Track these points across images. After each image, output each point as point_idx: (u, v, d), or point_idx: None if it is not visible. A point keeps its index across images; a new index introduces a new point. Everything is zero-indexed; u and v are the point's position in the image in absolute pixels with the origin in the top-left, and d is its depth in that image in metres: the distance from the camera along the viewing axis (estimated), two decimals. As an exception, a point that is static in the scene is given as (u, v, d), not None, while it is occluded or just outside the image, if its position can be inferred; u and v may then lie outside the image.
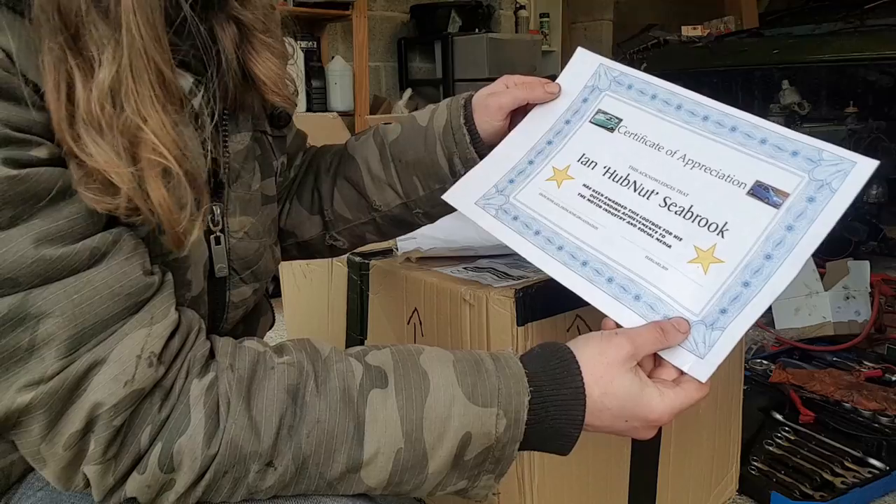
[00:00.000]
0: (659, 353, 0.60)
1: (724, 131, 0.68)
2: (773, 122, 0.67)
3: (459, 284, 0.88)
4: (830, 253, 2.51)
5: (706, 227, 0.64)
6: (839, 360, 1.78)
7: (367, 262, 1.04)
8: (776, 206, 0.63)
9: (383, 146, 0.81)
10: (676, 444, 1.04)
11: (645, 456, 1.00)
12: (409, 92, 3.69)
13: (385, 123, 0.84)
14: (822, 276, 2.00)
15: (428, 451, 0.53)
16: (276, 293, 1.53)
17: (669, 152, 0.70)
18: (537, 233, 0.70)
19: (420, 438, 0.53)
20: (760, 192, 0.64)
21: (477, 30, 3.72)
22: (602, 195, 0.70)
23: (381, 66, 3.80)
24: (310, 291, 1.24)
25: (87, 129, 0.46)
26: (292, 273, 1.38)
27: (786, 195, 0.63)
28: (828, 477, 1.26)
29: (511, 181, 0.74)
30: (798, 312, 1.97)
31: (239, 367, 0.52)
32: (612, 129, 0.74)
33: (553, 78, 0.81)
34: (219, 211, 0.63)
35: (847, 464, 1.30)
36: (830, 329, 1.89)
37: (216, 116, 0.62)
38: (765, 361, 1.75)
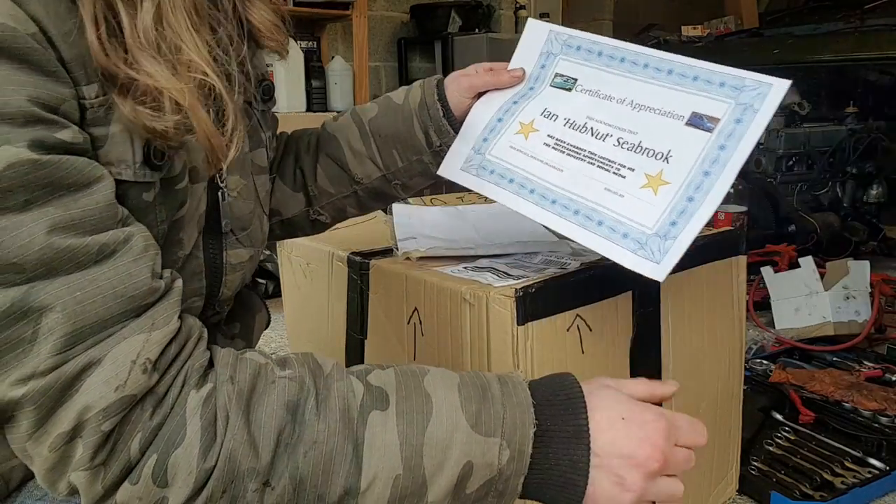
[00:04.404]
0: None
1: (662, 74, 0.78)
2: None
3: (459, 284, 0.88)
4: (830, 253, 2.51)
5: (653, 157, 0.74)
6: (839, 360, 1.78)
7: (367, 261, 1.04)
8: (709, 130, 0.72)
9: (362, 123, 0.88)
10: (676, 444, 1.04)
11: (645, 456, 1.00)
12: (409, 92, 3.69)
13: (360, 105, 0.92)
14: (822, 276, 2.00)
15: (427, 478, 0.51)
16: (277, 293, 1.53)
17: (619, 101, 0.80)
18: (511, 181, 0.80)
19: (420, 465, 0.51)
20: (696, 120, 0.73)
21: (477, 30, 3.71)
22: (565, 142, 0.80)
23: (381, 66, 3.80)
24: (310, 291, 1.24)
25: (142, 52, 0.49)
26: (292, 273, 1.38)
27: (717, 120, 0.72)
28: (828, 477, 1.26)
29: (485, 139, 0.84)
30: (798, 312, 1.97)
31: (239, 379, 0.50)
32: (569, 90, 0.84)
33: None
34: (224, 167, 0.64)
35: (847, 464, 1.30)
36: (830, 329, 1.89)
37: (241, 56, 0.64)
38: (765, 361, 1.75)
